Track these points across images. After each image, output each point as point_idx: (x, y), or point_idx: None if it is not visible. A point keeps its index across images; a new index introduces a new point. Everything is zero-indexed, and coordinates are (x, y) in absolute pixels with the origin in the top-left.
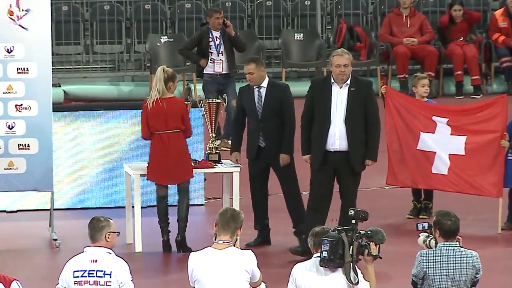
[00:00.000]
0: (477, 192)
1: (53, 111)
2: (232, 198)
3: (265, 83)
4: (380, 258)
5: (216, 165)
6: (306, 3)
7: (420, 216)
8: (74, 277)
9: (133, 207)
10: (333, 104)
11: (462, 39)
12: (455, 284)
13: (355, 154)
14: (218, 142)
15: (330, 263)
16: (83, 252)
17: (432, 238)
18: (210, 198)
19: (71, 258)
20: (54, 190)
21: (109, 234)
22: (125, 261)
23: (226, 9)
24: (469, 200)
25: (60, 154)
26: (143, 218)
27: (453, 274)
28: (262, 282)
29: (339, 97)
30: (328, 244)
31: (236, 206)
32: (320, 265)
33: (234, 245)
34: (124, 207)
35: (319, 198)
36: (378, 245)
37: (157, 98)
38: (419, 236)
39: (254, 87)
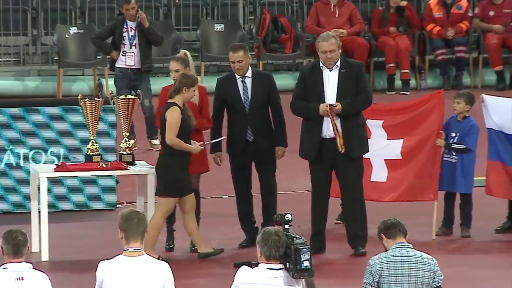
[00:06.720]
0: (415, 198)
1: None
2: (147, 202)
3: (249, 73)
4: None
5: (129, 166)
6: None
7: None
8: None
9: (39, 212)
10: (325, 88)
11: (395, 30)
12: (412, 287)
13: (350, 138)
14: (132, 141)
15: (307, 272)
16: (4, 268)
17: None
18: (123, 202)
19: None
20: None
21: (28, 248)
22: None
23: None
24: (403, 204)
25: None
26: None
27: (409, 275)
28: None
29: (330, 80)
30: (309, 253)
31: (152, 210)
32: (294, 277)
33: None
34: (29, 212)
35: (321, 197)
36: None
37: None
38: None
39: (238, 77)
